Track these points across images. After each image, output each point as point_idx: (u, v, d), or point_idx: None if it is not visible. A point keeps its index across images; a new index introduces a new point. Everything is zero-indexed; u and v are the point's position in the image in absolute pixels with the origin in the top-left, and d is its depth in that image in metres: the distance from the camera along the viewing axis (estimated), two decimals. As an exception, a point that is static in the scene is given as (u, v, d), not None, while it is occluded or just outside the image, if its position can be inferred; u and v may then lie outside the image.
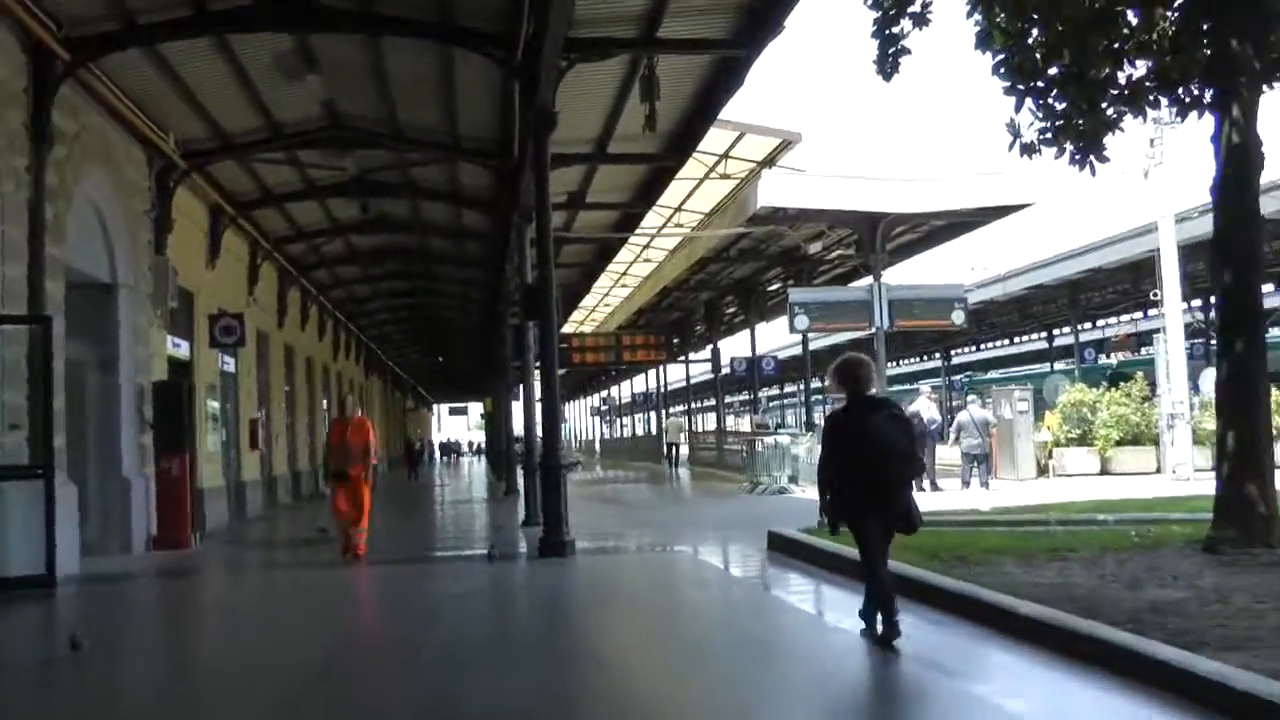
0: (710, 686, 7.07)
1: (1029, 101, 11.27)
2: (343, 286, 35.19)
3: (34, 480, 12.29)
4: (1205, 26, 10.91)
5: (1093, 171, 11.47)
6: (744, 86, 16.55)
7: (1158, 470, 24.46)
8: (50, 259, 13.32)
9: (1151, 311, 44.59)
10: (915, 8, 11.54)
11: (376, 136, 19.40)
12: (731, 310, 44.32)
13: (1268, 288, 42.68)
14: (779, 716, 6.22)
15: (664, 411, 57.63)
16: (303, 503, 29.17)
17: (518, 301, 19.84)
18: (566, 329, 43.34)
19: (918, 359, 71.68)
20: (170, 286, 18.08)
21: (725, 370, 42.92)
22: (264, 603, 12.49)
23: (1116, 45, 11.07)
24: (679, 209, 29.50)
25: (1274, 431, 12.15)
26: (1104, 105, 11.22)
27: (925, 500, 19.29)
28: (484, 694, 6.73)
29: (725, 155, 25.48)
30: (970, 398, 23.55)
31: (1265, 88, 10.79)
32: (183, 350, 20.07)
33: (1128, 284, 38.92)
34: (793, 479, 24.89)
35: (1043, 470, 24.94)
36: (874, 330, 26.27)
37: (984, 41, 11.48)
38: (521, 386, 24.07)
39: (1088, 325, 47.31)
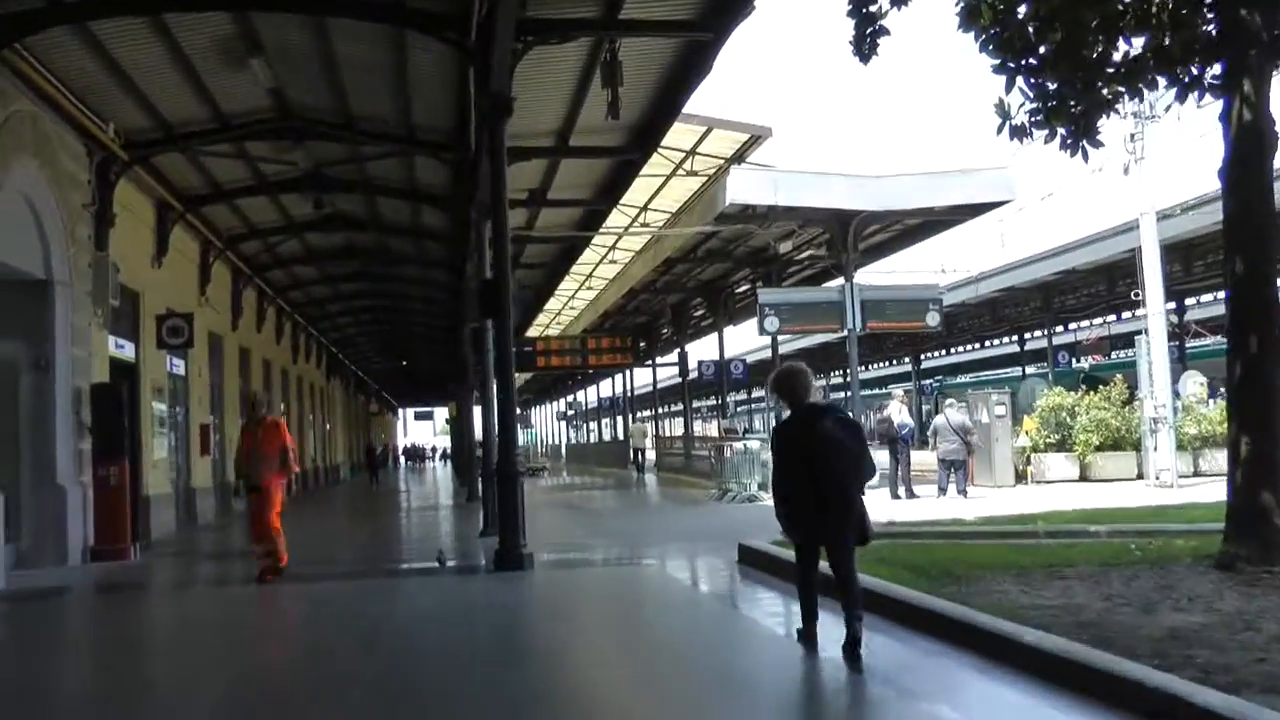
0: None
1: (1019, 80, 10.46)
2: (301, 288, 34.48)
3: (-41, 489, 11.48)
4: (1209, -3, 10.15)
5: (1085, 157, 10.69)
6: (712, 74, 15.89)
7: (1138, 476, 23.93)
8: (-25, 253, 12.49)
9: (1125, 314, 44.51)
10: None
11: (328, 128, 18.68)
12: (699, 313, 43.85)
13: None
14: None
15: (631, 416, 56.87)
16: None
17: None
18: (531, 332, 43.12)
19: (886, 363, 71.27)
20: (112, 284, 17.41)
21: (693, 374, 42.29)
22: (181, 627, 11.37)
23: (1111, 18, 10.26)
24: (645, 208, 28.87)
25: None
26: (1099, 85, 10.43)
27: (903, 509, 18.98)
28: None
29: (692, 151, 24.83)
30: (948, 401, 22.82)
31: None
32: (127, 351, 19.42)
33: (1103, 285, 38.59)
34: (762, 486, 24.04)
35: (1021, 476, 24.27)
36: (846, 332, 25.72)
37: (968, 20, 10.67)
38: (480, 390, 23.23)
39: (1060, 329, 46.96)
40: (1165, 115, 21.61)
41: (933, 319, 26.44)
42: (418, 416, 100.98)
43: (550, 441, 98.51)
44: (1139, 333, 24.26)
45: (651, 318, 45.88)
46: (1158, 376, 22.50)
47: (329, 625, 10.63)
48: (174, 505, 21.28)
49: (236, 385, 28.57)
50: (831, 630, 7.57)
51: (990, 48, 10.46)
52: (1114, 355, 45.34)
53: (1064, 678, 6.26)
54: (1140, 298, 22.73)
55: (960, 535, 13.32)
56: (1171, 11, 10.28)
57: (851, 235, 25.73)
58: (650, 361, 50.64)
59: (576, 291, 41.62)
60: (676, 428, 59.14)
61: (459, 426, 45.59)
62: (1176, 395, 25.08)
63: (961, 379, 59.27)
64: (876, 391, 57.16)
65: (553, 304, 43.11)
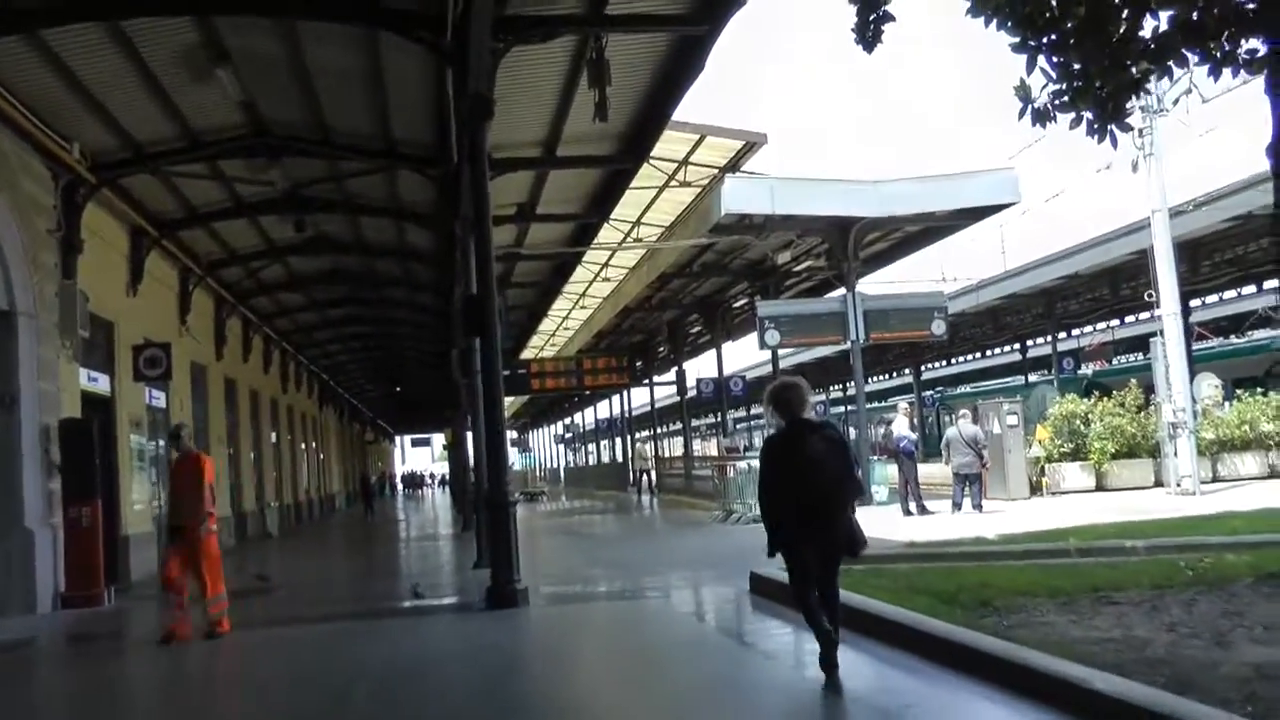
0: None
1: (1041, 59, 9.59)
2: (288, 315, 33.69)
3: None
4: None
5: (1114, 143, 9.74)
6: (703, 80, 15.05)
7: (1156, 484, 23.15)
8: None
9: (1129, 318, 43.74)
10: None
11: (304, 143, 17.82)
12: (696, 330, 43.13)
13: (1249, 289, 41.87)
14: None
15: (630, 437, 55.97)
16: (248, 545, 27.65)
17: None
18: (526, 354, 42.41)
19: (886, 375, 70.39)
20: (80, 314, 16.53)
21: (691, 392, 41.48)
22: (148, 684, 10.43)
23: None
24: (638, 223, 28.06)
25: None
26: (1127, 62, 9.57)
27: (919, 527, 18.05)
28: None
29: (685, 161, 23.99)
30: (960, 413, 21.95)
31: None
32: (101, 384, 18.55)
33: (1106, 289, 37.83)
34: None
35: (1035, 488, 23.41)
36: (849, 344, 24.93)
37: (978, 4, 9.82)
38: (471, 414, 22.38)
39: (1063, 335, 46.24)
40: (1174, 109, 20.95)
41: (938, 327, 25.79)
42: (415, 443, 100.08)
43: (549, 465, 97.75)
44: (1152, 335, 23.52)
45: (648, 336, 45.25)
46: (1175, 380, 21.60)
47: (301, 679, 9.61)
48: (155, 544, 20.11)
49: (223, 417, 27.83)
50: (854, 662, 6.75)
51: (1009, 24, 9.59)
52: (1117, 361, 44.60)
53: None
54: (1154, 298, 21.83)
55: (986, 556, 12.38)
56: (1206, -21, 9.43)
57: (852, 243, 25.00)
58: (648, 380, 49.86)
59: (570, 311, 40.87)
60: (675, 448, 58.23)
61: (456, 452, 44.94)
62: (1193, 399, 24.23)
63: (963, 389, 58.47)
64: (878, 405, 56.20)
65: (547, 325, 42.39)
